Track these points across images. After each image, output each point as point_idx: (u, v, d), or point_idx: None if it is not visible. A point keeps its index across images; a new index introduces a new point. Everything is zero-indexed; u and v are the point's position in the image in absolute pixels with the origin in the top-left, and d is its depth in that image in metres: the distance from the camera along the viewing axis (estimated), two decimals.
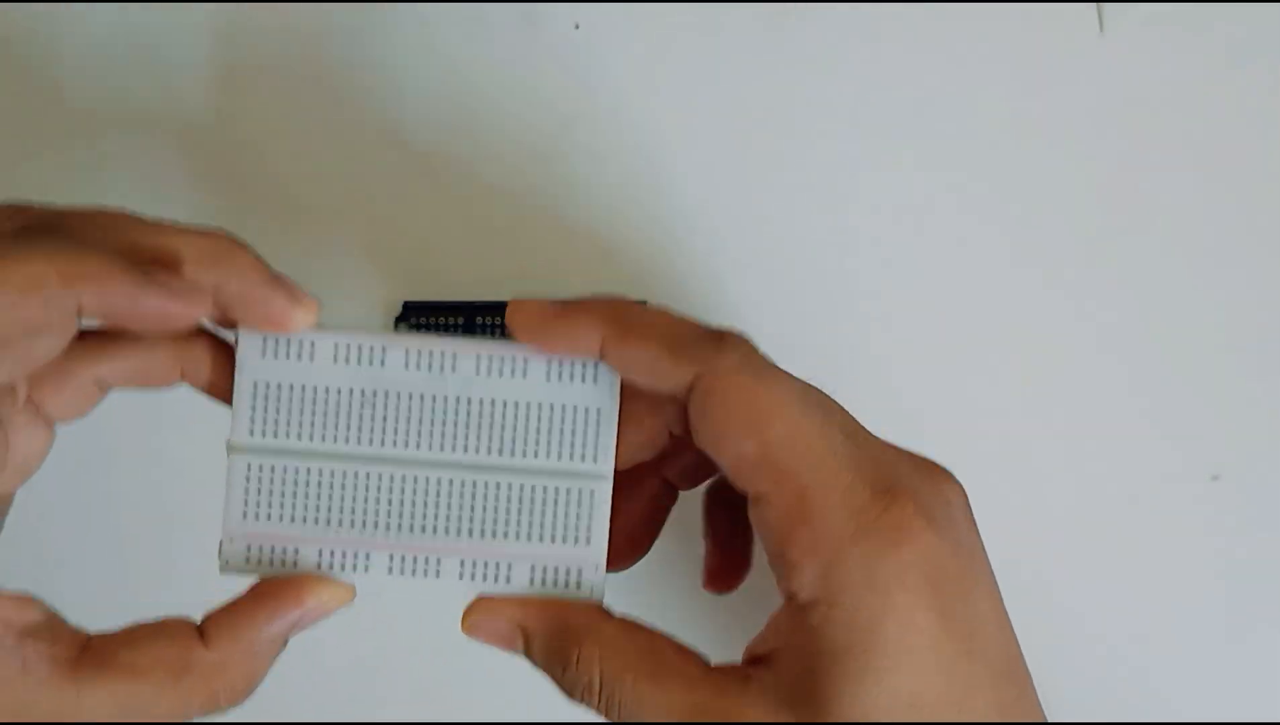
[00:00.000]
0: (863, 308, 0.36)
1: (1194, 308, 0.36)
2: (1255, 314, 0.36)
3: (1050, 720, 0.35)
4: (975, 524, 0.27)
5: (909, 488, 0.25)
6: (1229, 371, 0.36)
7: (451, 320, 0.35)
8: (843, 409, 0.26)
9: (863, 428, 0.26)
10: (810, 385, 0.26)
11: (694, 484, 0.30)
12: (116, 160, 0.36)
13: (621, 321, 0.26)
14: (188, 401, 0.28)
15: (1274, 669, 0.36)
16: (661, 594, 0.34)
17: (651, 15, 0.36)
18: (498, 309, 0.35)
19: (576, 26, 0.36)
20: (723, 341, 0.26)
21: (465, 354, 0.28)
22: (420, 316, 0.35)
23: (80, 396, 0.27)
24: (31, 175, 0.36)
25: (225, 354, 0.27)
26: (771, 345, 0.35)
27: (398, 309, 0.35)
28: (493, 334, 0.35)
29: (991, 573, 0.26)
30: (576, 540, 0.28)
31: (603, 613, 0.27)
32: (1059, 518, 0.36)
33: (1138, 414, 0.36)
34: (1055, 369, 0.36)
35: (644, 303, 0.30)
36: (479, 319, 0.35)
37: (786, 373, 0.26)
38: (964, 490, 0.27)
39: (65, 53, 0.36)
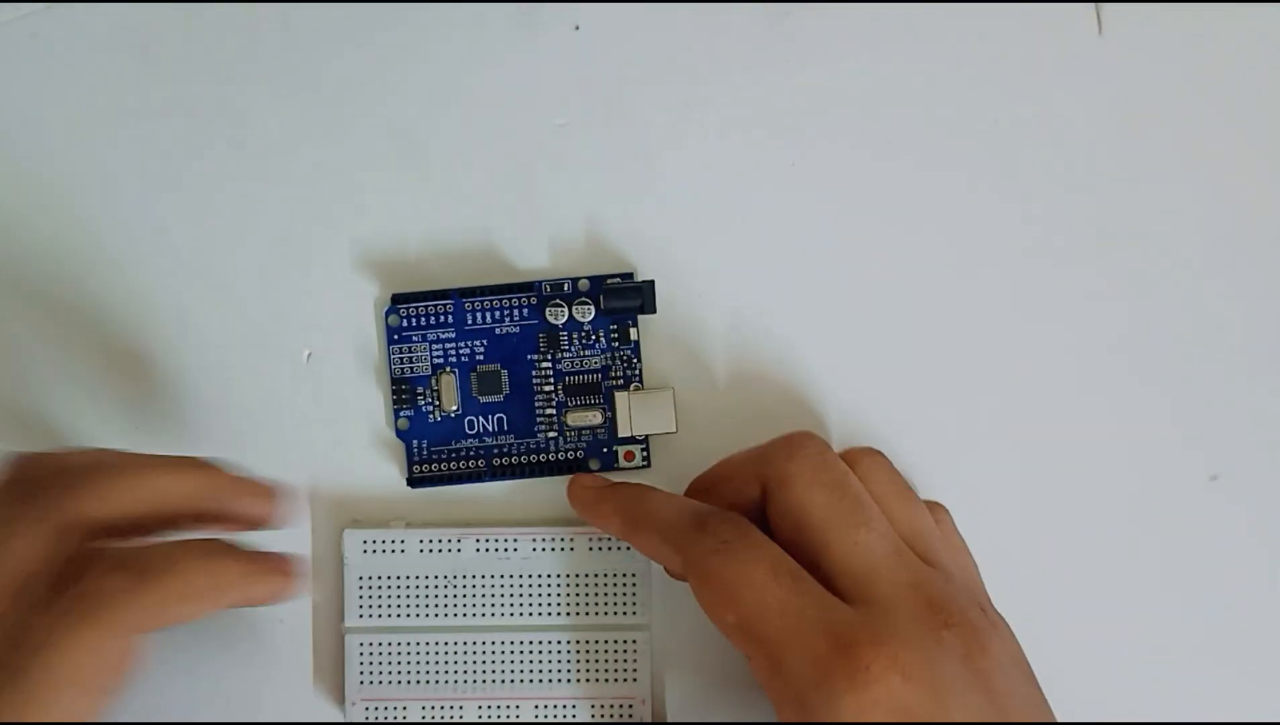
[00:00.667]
0: (862, 306, 0.36)
1: (1193, 308, 0.36)
2: (1255, 314, 0.36)
3: (1049, 721, 0.35)
4: (981, 665, 0.29)
5: (879, 636, 0.28)
6: (1228, 371, 0.36)
7: (441, 306, 0.35)
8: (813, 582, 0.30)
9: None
10: (785, 556, 0.30)
11: None
12: (115, 154, 0.36)
13: (632, 514, 0.32)
14: None
15: (1274, 669, 0.35)
16: None
17: (651, 15, 0.36)
18: (486, 292, 0.35)
19: (576, 27, 0.37)
20: (704, 527, 0.30)
21: (524, 538, 0.34)
22: (409, 305, 0.35)
23: None
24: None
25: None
26: (770, 345, 0.36)
27: (387, 302, 0.36)
28: (481, 318, 0.35)
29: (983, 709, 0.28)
30: (626, 680, 0.34)
31: None
32: (1059, 518, 0.36)
33: (1137, 414, 0.36)
34: (1054, 369, 0.36)
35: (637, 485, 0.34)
36: (467, 303, 0.35)
37: (763, 545, 0.30)
38: (971, 634, 0.29)
39: (65, 50, 0.37)
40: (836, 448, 0.36)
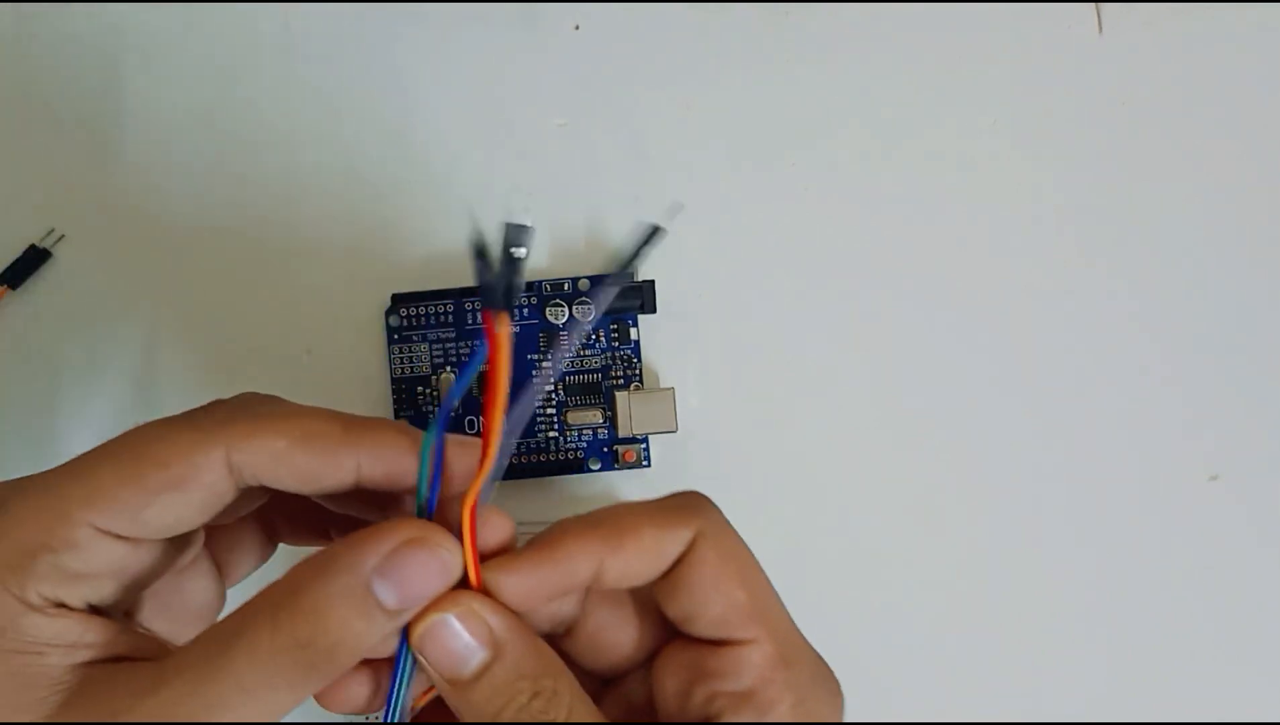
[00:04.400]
0: (861, 306, 0.36)
1: (1193, 307, 0.36)
2: (1254, 314, 0.36)
3: (1050, 720, 0.35)
4: None
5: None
6: (1228, 371, 0.36)
7: (441, 306, 0.35)
8: None
9: None
10: None
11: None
12: (112, 153, 0.36)
13: (610, 535, 0.26)
14: None
15: (1274, 669, 0.35)
16: None
17: (651, 15, 0.36)
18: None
19: (576, 27, 0.37)
20: (699, 507, 0.26)
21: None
22: (409, 305, 0.35)
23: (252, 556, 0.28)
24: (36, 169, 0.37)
25: None
26: (770, 344, 0.36)
27: (387, 302, 0.36)
28: (475, 319, 0.35)
29: None
30: None
31: None
32: (1059, 517, 0.36)
33: (1137, 414, 0.36)
34: (1054, 369, 0.36)
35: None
36: (467, 304, 0.35)
37: None
38: None
39: (57, 47, 0.37)
40: (842, 439, 0.36)
